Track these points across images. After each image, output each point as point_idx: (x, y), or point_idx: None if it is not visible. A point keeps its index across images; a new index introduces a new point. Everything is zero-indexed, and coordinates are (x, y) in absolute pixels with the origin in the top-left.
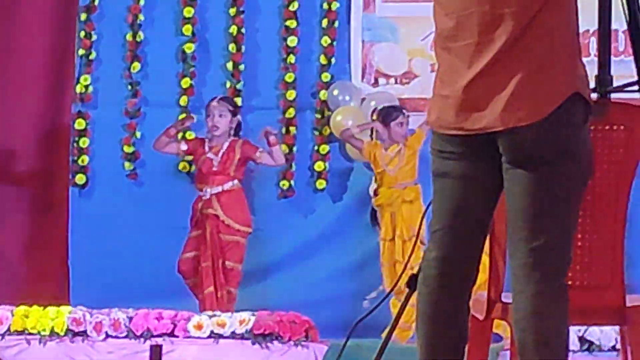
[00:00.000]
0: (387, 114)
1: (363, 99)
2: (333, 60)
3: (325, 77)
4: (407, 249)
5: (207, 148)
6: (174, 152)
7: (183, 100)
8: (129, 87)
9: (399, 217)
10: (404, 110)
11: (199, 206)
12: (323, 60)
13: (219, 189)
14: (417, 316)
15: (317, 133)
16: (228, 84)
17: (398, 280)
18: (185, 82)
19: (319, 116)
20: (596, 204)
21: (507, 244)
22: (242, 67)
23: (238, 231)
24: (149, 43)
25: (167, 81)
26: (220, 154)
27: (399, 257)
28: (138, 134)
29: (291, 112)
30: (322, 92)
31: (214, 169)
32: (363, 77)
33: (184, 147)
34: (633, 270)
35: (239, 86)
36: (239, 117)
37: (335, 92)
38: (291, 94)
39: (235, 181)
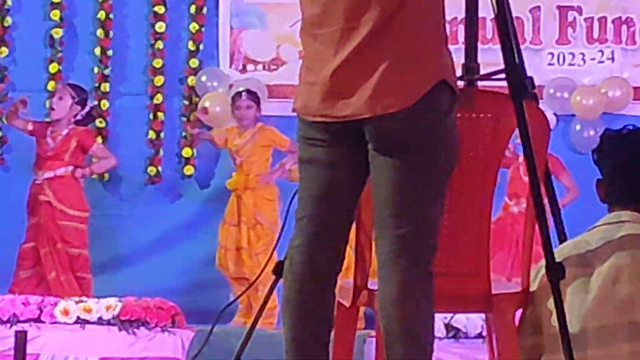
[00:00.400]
0: (233, 97)
1: (231, 85)
2: (201, 46)
3: (193, 63)
4: (252, 236)
5: (48, 132)
6: (21, 128)
7: (50, 86)
8: None
9: (244, 203)
10: (251, 93)
11: (32, 191)
12: (191, 46)
13: (51, 174)
14: (283, 303)
15: (184, 119)
16: (96, 70)
17: (264, 268)
18: (53, 67)
19: (186, 102)
20: (463, 192)
21: (373, 231)
22: (110, 52)
23: (73, 217)
24: (17, 28)
25: (34, 66)
26: (57, 139)
27: (245, 244)
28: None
29: (159, 98)
30: (190, 78)
31: (49, 153)
32: (231, 63)
33: (30, 127)
34: None
35: (106, 72)
36: (90, 105)
37: (204, 79)
38: (159, 80)
39: (70, 167)
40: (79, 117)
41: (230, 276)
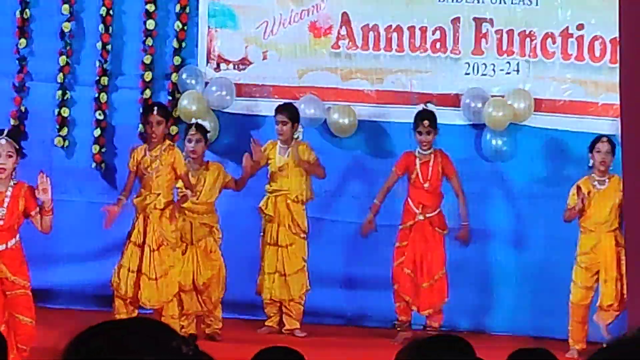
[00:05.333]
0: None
1: (206, 83)
2: (184, 44)
3: (177, 60)
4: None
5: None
6: None
7: (60, 78)
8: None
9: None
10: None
11: None
12: (175, 44)
13: (2, 247)
14: None
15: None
16: (97, 63)
17: None
18: (62, 60)
19: (170, 98)
20: None
21: None
22: (109, 47)
23: (24, 286)
24: (35, 20)
25: (49, 58)
26: (5, 205)
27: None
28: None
29: (147, 93)
30: (174, 74)
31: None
32: (208, 61)
33: None
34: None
35: (106, 66)
36: (23, 152)
37: (184, 76)
38: (148, 75)
39: (18, 235)
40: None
41: None
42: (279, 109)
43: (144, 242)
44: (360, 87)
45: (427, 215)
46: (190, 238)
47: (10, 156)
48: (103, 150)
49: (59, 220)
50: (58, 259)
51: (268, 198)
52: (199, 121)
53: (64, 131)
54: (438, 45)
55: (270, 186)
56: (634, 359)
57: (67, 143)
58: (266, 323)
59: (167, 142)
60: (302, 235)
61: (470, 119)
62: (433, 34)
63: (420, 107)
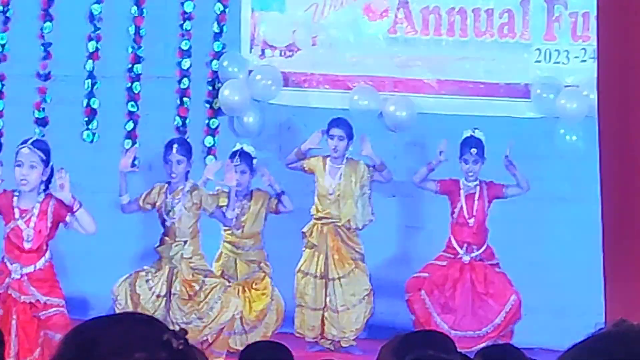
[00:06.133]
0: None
1: (250, 72)
2: (225, 28)
3: (217, 46)
4: None
5: (15, 208)
6: None
7: (89, 65)
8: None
9: None
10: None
11: (3, 282)
12: (216, 28)
13: (31, 268)
14: None
15: (207, 106)
16: (129, 50)
17: None
18: (92, 46)
19: (210, 88)
20: None
21: None
22: (143, 31)
23: (58, 305)
24: (61, 1)
25: (76, 43)
26: (32, 223)
27: None
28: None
29: (185, 83)
30: (214, 62)
31: (27, 244)
32: (251, 48)
33: None
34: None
35: (139, 52)
36: (52, 164)
37: (225, 63)
38: (186, 63)
39: (48, 253)
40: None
41: None
42: (335, 123)
43: (169, 293)
44: (420, 76)
45: (472, 254)
46: (235, 276)
47: (34, 167)
48: (136, 145)
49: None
50: (89, 267)
51: (314, 225)
52: (244, 147)
53: (93, 125)
54: (506, 29)
55: (317, 211)
56: (609, 353)
57: (96, 137)
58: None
59: (190, 182)
60: (359, 258)
61: (542, 111)
62: (500, 17)
63: (469, 132)
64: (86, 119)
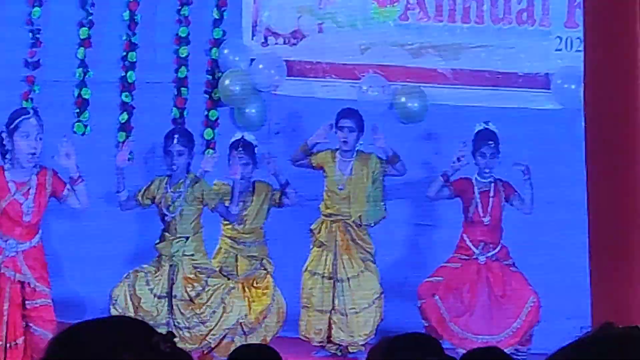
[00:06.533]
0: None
1: (252, 60)
2: (226, 14)
3: (217, 33)
4: None
5: (9, 182)
6: None
7: (80, 54)
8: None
9: None
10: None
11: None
12: (216, 14)
13: (27, 245)
14: None
15: (207, 97)
16: (124, 37)
17: None
18: (83, 33)
19: (209, 77)
20: None
21: None
22: (138, 17)
23: (46, 295)
24: None
25: (67, 29)
26: (30, 196)
27: None
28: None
29: (183, 72)
30: (214, 50)
31: (26, 218)
32: (253, 35)
33: None
34: None
35: (134, 39)
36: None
37: (226, 51)
38: (184, 51)
39: (40, 230)
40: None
41: None
42: (345, 114)
43: (170, 294)
44: (433, 66)
45: (488, 254)
46: (235, 273)
47: (41, 138)
48: (130, 138)
49: (77, 224)
50: (76, 266)
51: (323, 222)
52: (245, 136)
53: (85, 116)
54: (524, 16)
55: (326, 208)
56: (595, 356)
57: (88, 130)
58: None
59: (192, 175)
60: (370, 259)
61: (563, 102)
62: (519, 3)
63: (482, 126)
64: (77, 110)
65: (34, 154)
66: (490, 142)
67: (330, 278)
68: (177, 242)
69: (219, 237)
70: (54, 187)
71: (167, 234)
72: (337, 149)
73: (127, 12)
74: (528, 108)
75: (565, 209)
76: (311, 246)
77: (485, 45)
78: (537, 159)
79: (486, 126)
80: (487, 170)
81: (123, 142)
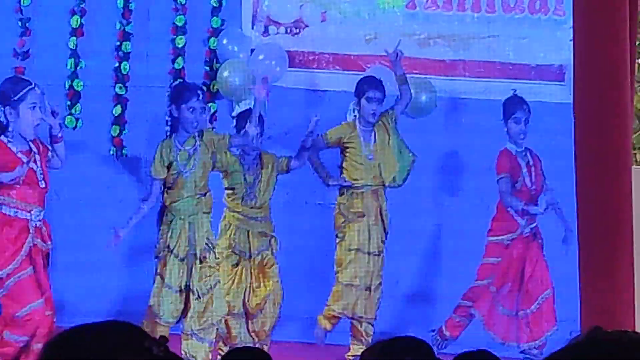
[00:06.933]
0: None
1: (252, 51)
2: (224, 2)
3: (216, 22)
4: None
5: (18, 153)
6: None
7: (72, 43)
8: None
9: None
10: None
11: (28, 237)
12: (214, 1)
13: (44, 213)
14: None
15: (204, 88)
16: (117, 25)
17: None
18: (75, 21)
19: (207, 68)
20: None
21: None
22: (132, 5)
23: None
24: None
25: (60, 18)
26: (38, 162)
27: None
28: None
29: (179, 62)
30: (212, 40)
31: (42, 184)
32: (253, 24)
33: None
34: None
35: (128, 28)
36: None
37: (225, 41)
38: (180, 41)
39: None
40: None
41: None
42: (374, 84)
43: (189, 253)
44: (441, 56)
45: (532, 226)
46: (247, 250)
47: (38, 107)
48: (124, 132)
49: (65, 222)
50: (62, 267)
51: (352, 193)
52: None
53: (77, 109)
54: (538, 4)
55: (355, 179)
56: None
57: (79, 123)
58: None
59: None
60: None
61: None
62: None
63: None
64: (69, 102)
65: (39, 124)
66: (525, 106)
67: (364, 252)
68: (194, 199)
69: (223, 212)
70: (46, 151)
71: (182, 191)
72: (353, 120)
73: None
74: (541, 101)
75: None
76: (340, 222)
77: (496, 35)
78: (549, 153)
79: (515, 93)
80: (522, 136)
81: (117, 136)
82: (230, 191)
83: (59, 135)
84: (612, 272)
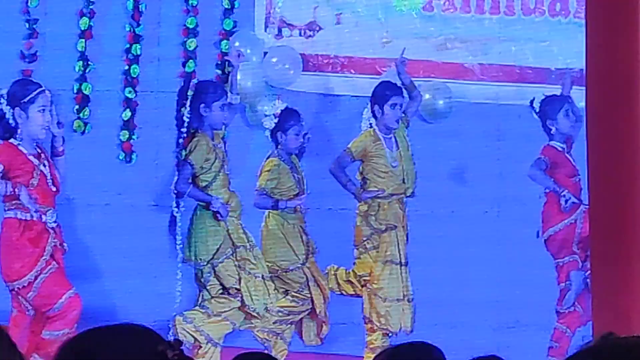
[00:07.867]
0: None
1: (265, 54)
2: (237, 4)
3: (228, 24)
4: None
5: (28, 155)
6: None
7: (80, 45)
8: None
9: None
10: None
11: (49, 237)
12: (226, 3)
13: (57, 214)
14: None
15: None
16: (127, 28)
17: None
18: (84, 23)
19: (219, 72)
20: None
21: None
22: (142, 7)
23: None
24: None
25: (67, 20)
26: (47, 166)
27: None
28: None
29: (190, 66)
30: (224, 42)
31: (53, 188)
32: (266, 26)
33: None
34: None
35: (138, 30)
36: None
37: (237, 44)
38: (192, 43)
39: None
40: None
41: None
42: (396, 90)
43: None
44: (459, 60)
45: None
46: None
47: (51, 112)
48: (134, 137)
49: (74, 228)
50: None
51: (379, 204)
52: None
53: (85, 113)
54: (558, 6)
55: (384, 188)
56: None
57: (88, 128)
58: None
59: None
60: None
61: None
62: None
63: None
64: (77, 106)
65: (48, 127)
66: (570, 100)
67: (397, 263)
68: (234, 196)
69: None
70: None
71: (224, 190)
72: (370, 127)
73: (131, 1)
74: None
75: None
76: (373, 234)
77: (515, 38)
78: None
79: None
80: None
81: (127, 141)
82: None
83: (60, 149)
84: (625, 277)
